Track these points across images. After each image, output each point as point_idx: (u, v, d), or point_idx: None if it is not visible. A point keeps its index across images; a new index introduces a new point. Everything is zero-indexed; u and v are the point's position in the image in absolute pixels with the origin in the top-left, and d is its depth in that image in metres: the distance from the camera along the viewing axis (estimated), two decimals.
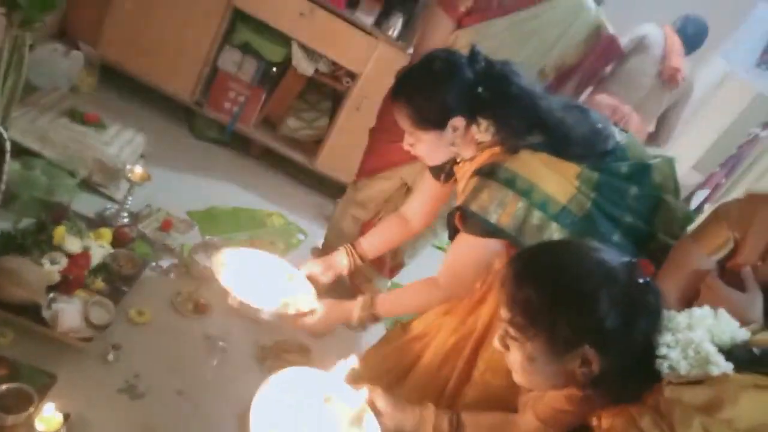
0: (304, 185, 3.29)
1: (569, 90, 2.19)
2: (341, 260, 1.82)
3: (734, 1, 3.56)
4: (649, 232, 1.39)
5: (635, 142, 1.51)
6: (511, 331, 1.02)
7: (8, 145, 1.52)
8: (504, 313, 1.04)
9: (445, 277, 1.51)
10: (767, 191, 1.25)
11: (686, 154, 3.19)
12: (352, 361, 1.34)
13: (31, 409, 1.27)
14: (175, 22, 2.91)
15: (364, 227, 2.32)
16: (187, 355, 1.78)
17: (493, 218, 1.34)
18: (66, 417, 1.33)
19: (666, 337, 0.92)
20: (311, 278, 1.77)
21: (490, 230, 1.36)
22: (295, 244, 2.68)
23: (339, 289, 1.99)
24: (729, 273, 1.19)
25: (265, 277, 1.76)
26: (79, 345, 1.54)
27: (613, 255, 1.00)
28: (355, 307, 1.61)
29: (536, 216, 1.33)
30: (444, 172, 1.64)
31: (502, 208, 1.34)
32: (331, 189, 3.26)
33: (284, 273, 1.79)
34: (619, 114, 2.77)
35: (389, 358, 1.75)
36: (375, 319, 1.60)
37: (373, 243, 1.82)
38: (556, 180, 1.35)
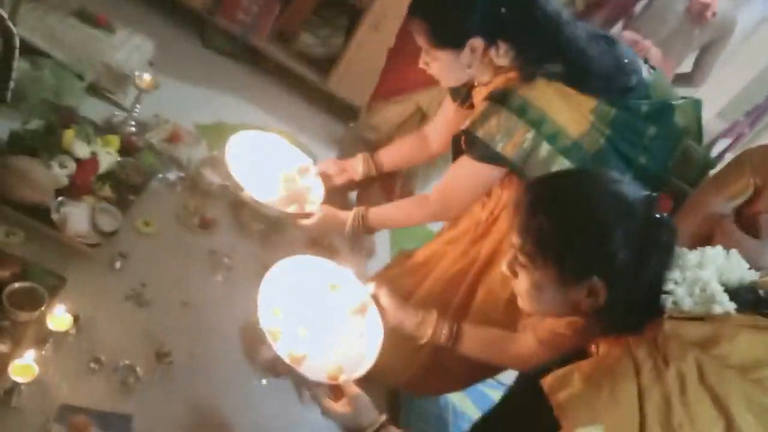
0: (315, 105, 3.23)
1: (596, 23, 2.10)
2: (357, 165, 1.80)
3: None
4: (663, 175, 1.36)
5: (662, 81, 1.45)
6: (521, 258, 1.02)
7: (17, 41, 1.47)
8: (515, 239, 1.03)
9: (436, 195, 1.50)
10: None
11: (713, 99, 3.08)
12: (370, 288, 1.35)
13: (43, 308, 1.30)
14: None
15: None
16: (192, 269, 1.80)
17: (498, 146, 1.32)
18: (75, 318, 1.37)
19: (674, 274, 0.92)
20: (323, 176, 1.76)
21: (492, 157, 1.34)
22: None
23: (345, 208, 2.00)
24: (745, 219, 1.18)
25: (276, 166, 1.74)
26: (87, 250, 1.55)
27: (632, 188, 0.98)
28: (348, 217, 1.61)
29: (544, 148, 1.31)
30: (460, 95, 1.60)
31: (509, 137, 1.31)
32: (343, 112, 3.20)
33: (297, 164, 1.77)
34: (639, 48, 2.66)
35: (394, 282, 1.77)
36: (367, 229, 1.60)
37: (391, 156, 1.79)
38: (570, 113, 1.31)
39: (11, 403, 1.20)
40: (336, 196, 1.86)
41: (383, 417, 1.14)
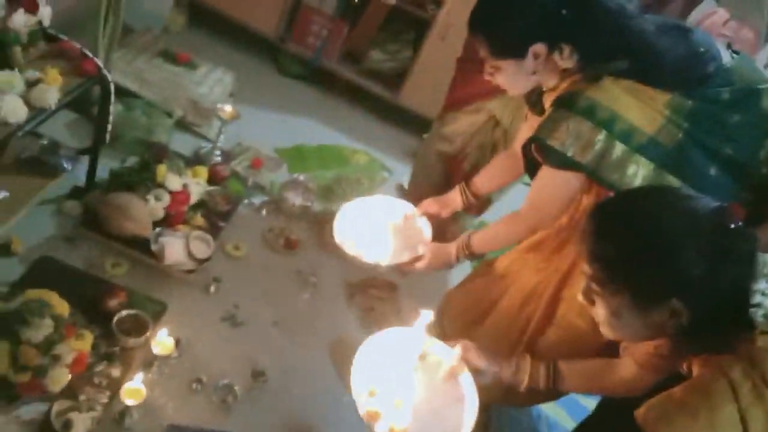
0: (389, 121, 3.26)
1: (673, 11, 1.99)
2: (455, 198, 1.81)
3: None
4: (752, 165, 1.27)
5: (746, 65, 1.35)
6: (594, 286, 0.99)
7: (113, 88, 1.59)
8: (585, 268, 1.00)
9: (526, 209, 1.47)
10: None
11: None
12: (428, 316, 1.35)
13: (148, 334, 1.39)
14: None
15: (450, 162, 2.28)
16: (281, 289, 1.87)
17: (569, 151, 1.28)
18: (177, 341, 1.45)
19: (762, 284, 0.87)
20: (428, 216, 1.79)
21: (567, 163, 1.30)
22: (380, 182, 2.69)
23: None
24: None
25: (384, 220, 1.78)
26: (185, 277, 1.65)
27: (701, 202, 0.93)
28: (454, 248, 1.61)
29: (618, 148, 1.25)
30: (532, 104, 1.57)
31: (579, 141, 1.26)
32: (415, 125, 3.21)
33: (402, 213, 1.81)
34: (727, 28, 2.45)
35: (471, 295, 1.75)
36: (473, 256, 1.60)
37: (485, 180, 1.79)
38: (642, 108, 1.24)
39: (124, 424, 1.29)
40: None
41: None
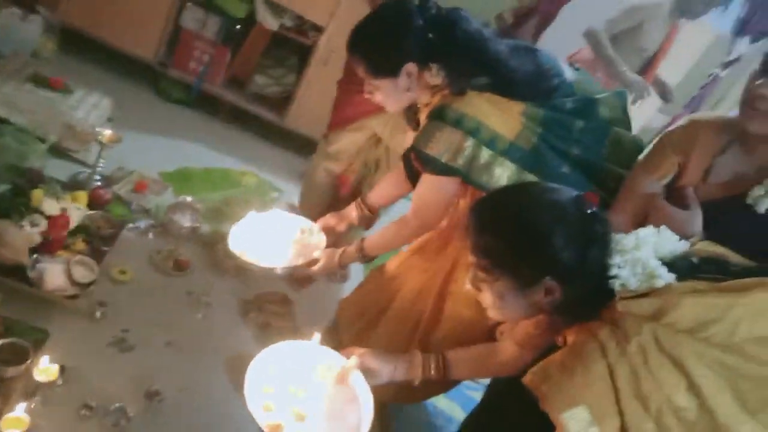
0: (276, 143, 3.31)
1: (528, 31, 2.24)
2: (352, 212, 1.89)
3: None
4: (597, 162, 1.48)
5: (586, 79, 1.59)
6: (479, 273, 1.12)
7: None
8: (471, 258, 1.13)
9: (413, 214, 1.60)
10: (707, 117, 1.36)
11: (652, 97, 3.27)
12: (352, 362, 1.41)
13: (29, 362, 1.33)
14: None
15: (338, 180, 2.37)
16: (172, 310, 1.85)
17: (443, 158, 1.43)
18: (62, 368, 1.40)
19: (616, 259, 1.01)
20: (326, 230, 1.85)
21: (444, 169, 1.45)
22: (270, 202, 2.73)
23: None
24: (675, 194, 1.29)
25: (280, 233, 1.83)
26: (66, 303, 1.59)
27: (562, 193, 1.08)
28: (350, 250, 1.71)
29: (485, 153, 1.42)
30: (409, 119, 1.71)
31: (451, 148, 1.42)
32: (302, 146, 3.29)
33: (299, 227, 1.86)
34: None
35: (364, 300, 1.85)
36: (367, 258, 1.71)
37: (379, 196, 1.89)
38: (502, 117, 1.43)
39: None
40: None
41: None
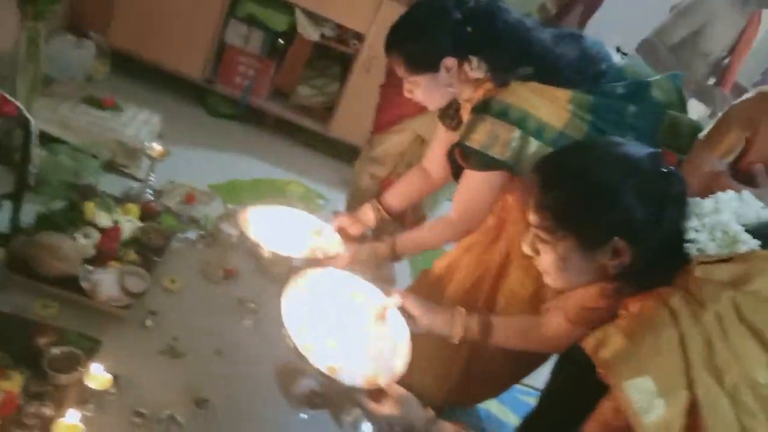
0: (321, 152, 3.33)
1: (573, 20, 2.18)
2: (368, 214, 1.86)
3: None
4: (653, 147, 1.40)
5: (636, 63, 1.51)
6: (541, 234, 1.04)
7: (33, 125, 1.58)
8: (532, 217, 1.06)
9: (456, 212, 1.55)
10: None
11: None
12: (393, 301, 1.36)
13: (81, 369, 1.35)
14: (179, 2, 2.94)
15: (383, 184, 2.36)
16: (221, 318, 1.85)
17: (490, 151, 1.38)
18: (114, 377, 1.42)
19: (693, 222, 0.93)
20: (340, 231, 1.82)
21: (489, 163, 1.39)
22: (316, 210, 2.73)
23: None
24: (740, 172, 1.20)
25: (293, 231, 1.81)
26: (119, 312, 1.62)
27: (636, 148, 1.01)
28: (378, 245, 1.66)
29: (533, 144, 1.36)
30: (450, 117, 1.66)
31: (497, 141, 1.37)
32: (347, 153, 3.30)
33: (311, 227, 1.84)
34: None
35: None
36: (396, 257, 1.65)
37: (396, 196, 1.85)
38: (549, 106, 1.37)
39: None
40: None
41: (432, 413, 1.14)
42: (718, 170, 1.22)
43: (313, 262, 1.72)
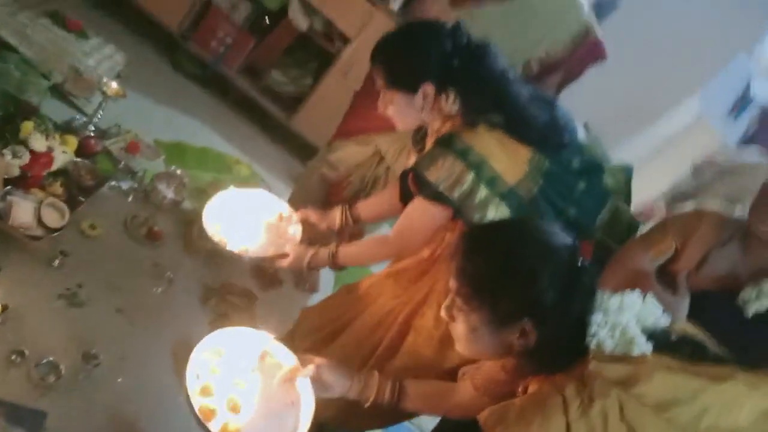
0: (277, 142, 3.28)
1: (551, 84, 2.27)
2: (335, 216, 1.85)
3: (715, 48, 3.65)
4: (590, 229, 1.47)
5: (597, 144, 1.59)
6: (458, 301, 1.08)
7: None
8: (452, 283, 1.10)
9: (394, 233, 1.57)
10: (713, 210, 1.36)
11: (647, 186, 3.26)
12: (308, 370, 1.35)
13: None
14: None
15: (331, 188, 2.34)
16: (133, 278, 1.77)
17: (441, 186, 1.41)
18: (4, 307, 1.33)
19: (597, 317, 0.99)
20: (304, 223, 1.80)
21: (437, 196, 1.43)
22: None
23: None
24: (665, 276, 1.28)
25: (258, 214, 1.79)
26: (28, 242, 1.52)
27: (558, 237, 1.07)
28: (322, 253, 1.66)
29: (482, 191, 1.40)
30: (416, 142, 1.69)
31: (451, 178, 1.41)
32: (302, 151, 3.27)
33: (279, 211, 1.82)
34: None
35: (326, 313, 1.79)
36: (336, 266, 1.67)
37: (368, 209, 1.85)
38: (508, 160, 1.42)
39: None
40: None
41: None
42: (647, 269, 1.30)
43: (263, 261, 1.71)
